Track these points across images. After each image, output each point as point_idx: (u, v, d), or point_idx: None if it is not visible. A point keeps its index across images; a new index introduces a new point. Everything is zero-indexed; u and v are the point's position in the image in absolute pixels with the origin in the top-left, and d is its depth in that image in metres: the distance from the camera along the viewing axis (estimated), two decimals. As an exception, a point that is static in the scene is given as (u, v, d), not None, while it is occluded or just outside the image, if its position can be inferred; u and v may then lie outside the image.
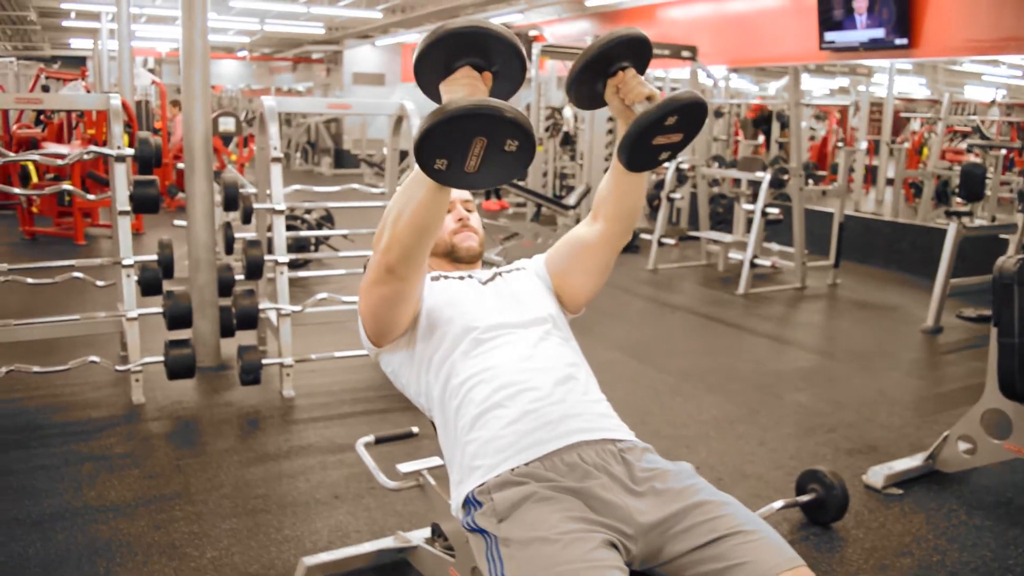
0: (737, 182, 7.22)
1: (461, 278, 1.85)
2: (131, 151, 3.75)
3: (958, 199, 8.54)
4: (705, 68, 8.71)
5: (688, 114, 1.49)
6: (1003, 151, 8.12)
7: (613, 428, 1.64)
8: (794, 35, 8.62)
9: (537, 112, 9.23)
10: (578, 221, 8.27)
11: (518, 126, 1.28)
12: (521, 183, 8.06)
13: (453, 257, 1.92)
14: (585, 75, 1.57)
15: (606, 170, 1.82)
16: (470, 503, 1.55)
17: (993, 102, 14.20)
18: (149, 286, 3.90)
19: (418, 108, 4.13)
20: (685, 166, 7.43)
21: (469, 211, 1.96)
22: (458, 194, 1.95)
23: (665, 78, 10.73)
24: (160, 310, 3.75)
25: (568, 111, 10.85)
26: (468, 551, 1.91)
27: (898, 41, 7.37)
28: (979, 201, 8.39)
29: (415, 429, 2.53)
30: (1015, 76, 14.39)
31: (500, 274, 1.90)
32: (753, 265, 6.49)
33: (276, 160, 3.84)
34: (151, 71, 15.03)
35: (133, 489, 2.91)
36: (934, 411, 4.09)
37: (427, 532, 2.56)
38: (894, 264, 7.70)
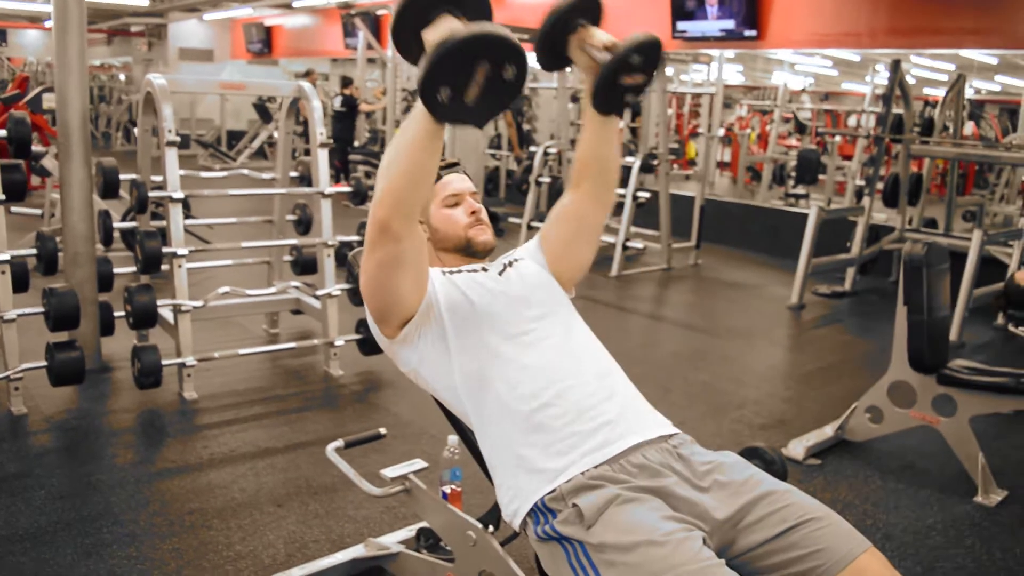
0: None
1: (475, 271, 1.78)
2: (2, 133, 3.31)
3: (796, 182, 9.20)
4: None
5: (649, 52, 1.60)
6: (837, 138, 8.75)
7: (662, 423, 1.63)
8: (646, 23, 8.89)
9: (394, 94, 9.03)
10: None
11: (519, 52, 1.36)
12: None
13: (468, 251, 1.83)
14: (548, 38, 1.67)
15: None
16: (539, 511, 1.48)
17: (803, 90, 15.34)
18: (18, 283, 3.48)
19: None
20: (553, 150, 7.51)
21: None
22: (466, 186, 1.86)
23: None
24: (38, 310, 3.36)
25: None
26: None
27: (747, 33, 7.76)
28: (814, 184, 9.07)
29: (383, 430, 2.40)
30: (824, 66, 15.60)
31: (510, 263, 1.84)
32: (625, 248, 6.67)
33: (172, 144, 3.52)
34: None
35: (45, 513, 2.59)
36: (822, 383, 4.37)
37: (398, 536, 2.45)
38: (745, 244, 8.15)
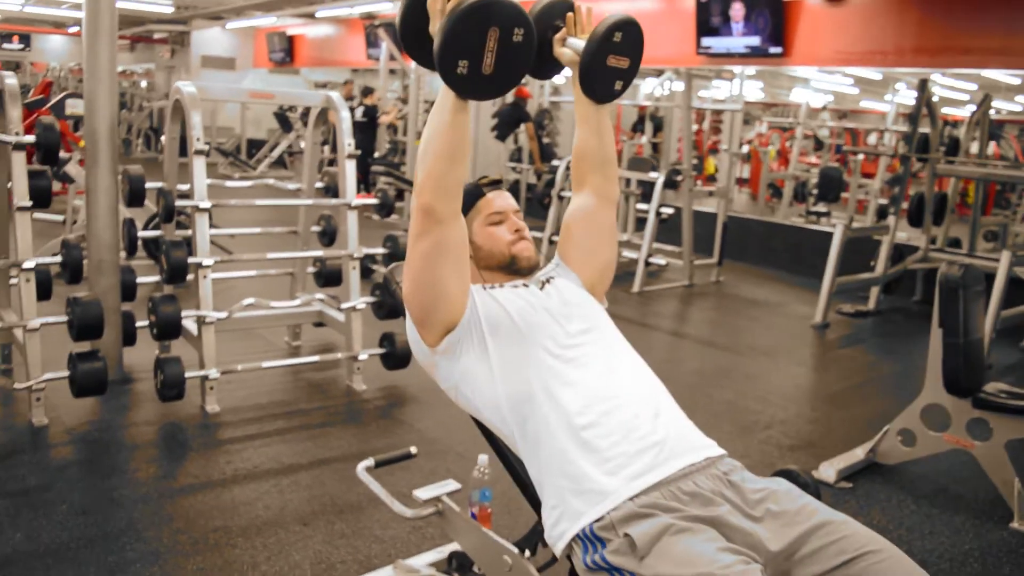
0: (627, 182, 7.34)
1: (515, 287, 1.74)
2: (31, 139, 3.30)
3: (818, 200, 9.12)
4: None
5: (630, 31, 1.63)
6: (859, 156, 8.68)
7: (709, 444, 1.59)
8: (671, 39, 8.85)
9: (416, 105, 9.02)
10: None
11: (521, 12, 1.40)
12: (408, 178, 7.86)
13: (512, 268, 1.80)
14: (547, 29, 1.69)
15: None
16: (588, 539, 1.43)
17: (824, 107, 15.27)
18: (41, 291, 3.46)
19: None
20: (575, 164, 7.46)
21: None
22: (509, 204, 1.83)
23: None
24: (62, 319, 3.34)
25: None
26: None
27: (772, 50, 7.71)
28: (836, 202, 9.00)
29: (413, 449, 2.35)
30: (844, 84, 15.54)
31: (547, 280, 1.80)
32: (647, 264, 6.62)
33: (200, 153, 3.50)
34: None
35: (68, 528, 2.55)
36: (848, 404, 4.30)
37: (428, 558, 2.40)
38: (766, 261, 8.08)
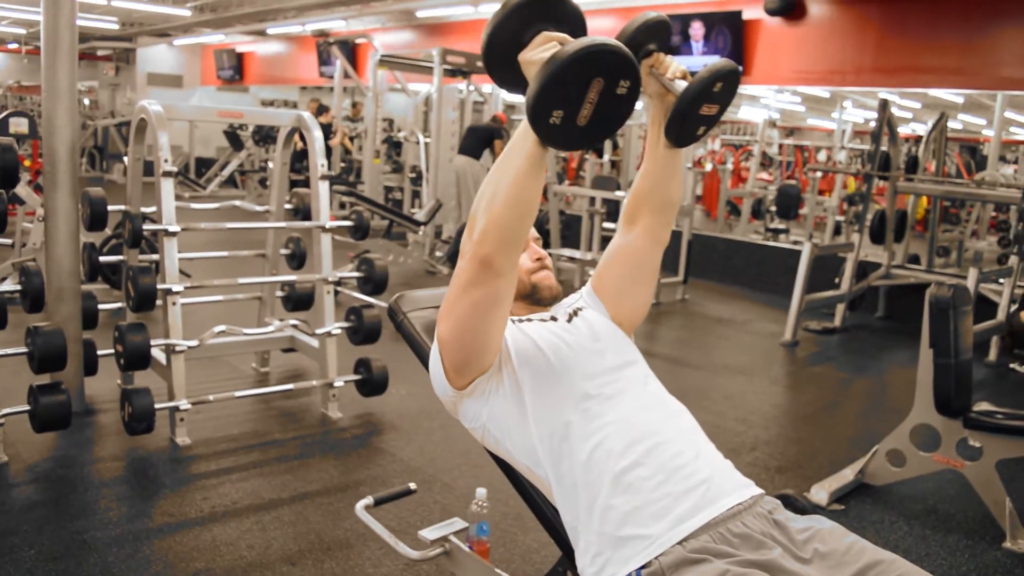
0: (592, 200, 7.30)
1: (544, 320, 1.66)
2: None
3: (777, 216, 9.22)
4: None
5: (731, 81, 1.52)
6: (819, 174, 8.81)
7: (749, 483, 1.52)
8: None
9: (374, 124, 8.91)
10: (438, 237, 8.03)
11: (632, 64, 1.27)
12: (372, 199, 7.74)
13: (534, 298, 1.73)
14: None
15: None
16: (633, 585, 1.35)
17: (774, 124, 15.53)
18: (-2, 320, 3.27)
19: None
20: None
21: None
22: (530, 232, 1.74)
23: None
24: (21, 350, 3.15)
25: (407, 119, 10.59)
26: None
27: (731, 69, 7.79)
28: (794, 219, 9.11)
29: (412, 485, 2.24)
30: (792, 102, 15.84)
31: (575, 312, 1.72)
32: (614, 282, 6.56)
33: (168, 175, 3.35)
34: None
35: (37, 576, 2.38)
36: (829, 423, 4.30)
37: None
38: (729, 278, 8.13)
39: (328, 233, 3.80)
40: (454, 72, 8.67)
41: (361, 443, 3.58)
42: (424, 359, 1.88)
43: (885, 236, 6.59)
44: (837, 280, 6.46)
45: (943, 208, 9.78)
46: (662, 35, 1.58)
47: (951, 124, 14.88)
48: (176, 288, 3.33)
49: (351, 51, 11.22)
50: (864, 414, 4.53)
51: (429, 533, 2.01)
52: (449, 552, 2.00)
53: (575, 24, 1.38)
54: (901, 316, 6.88)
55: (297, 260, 4.29)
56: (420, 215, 7.61)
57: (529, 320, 1.65)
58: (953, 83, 6.97)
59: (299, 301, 4.27)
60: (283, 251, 4.26)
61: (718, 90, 1.51)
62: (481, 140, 8.20)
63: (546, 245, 7.81)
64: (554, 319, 1.68)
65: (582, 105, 1.26)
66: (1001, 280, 5.66)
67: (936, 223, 7.30)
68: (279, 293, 4.33)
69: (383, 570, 2.54)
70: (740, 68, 1.58)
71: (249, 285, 4.26)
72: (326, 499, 3.00)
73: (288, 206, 4.22)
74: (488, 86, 9.84)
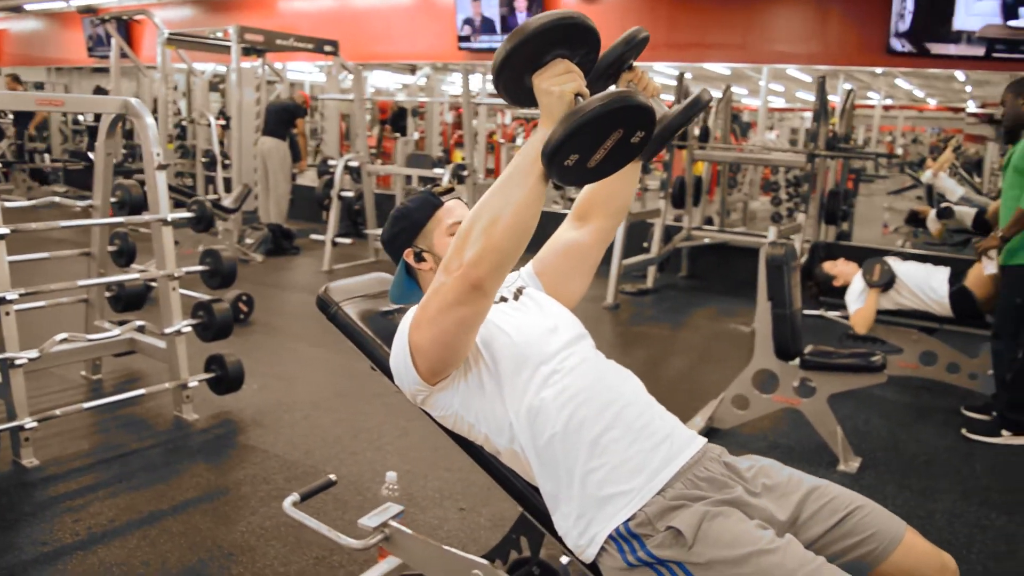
0: (408, 179, 7.31)
1: (496, 302, 1.72)
2: None
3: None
4: (346, 64, 8.62)
5: (704, 109, 1.68)
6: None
7: (694, 434, 1.67)
8: (430, 33, 8.93)
9: (165, 108, 8.34)
10: (244, 224, 7.69)
11: (652, 119, 1.33)
12: (176, 187, 7.28)
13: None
14: (605, 73, 1.61)
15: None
16: (623, 539, 1.46)
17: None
18: None
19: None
20: (355, 164, 7.32)
21: None
22: (467, 212, 1.78)
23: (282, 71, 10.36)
24: None
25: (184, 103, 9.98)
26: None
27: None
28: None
29: (333, 476, 2.22)
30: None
31: (520, 289, 1.80)
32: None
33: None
34: None
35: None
36: (666, 377, 4.65)
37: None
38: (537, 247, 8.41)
39: (169, 226, 3.58)
40: (248, 51, 8.29)
41: (228, 443, 3.43)
42: (365, 349, 1.87)
43: (685, 201, 7.12)
44: (646, 244, 6.92)
45: (715, 172, 10.71)
46: (640, 50, 1.64)
47: (716, 94, 16.13)
48: (10, 296, 3.02)
49: (126, 28, 10.39)
50: (693, 366, 4.92)
51: (368, 521, 2.01)
52: (390, 537, 2.01)
53: (591, 47, 1.42)
54: (702, 274, 7.49)
55: (125, 256, 4.00)
56: (227, 201, 7.26)
57: None
58: (739, 57, 7.63)
59: (130, 300, 4.00)
60: (110, 248, 3.95)
61: (693, 114, 1.65)
62: (283, 121, 7.95)
63: (363, 226, 7.74)
64: (504, 299, 1.74)
65: (597, 151, 1.33)
66: (791, 236, 6.31)
67: (725, 186, 7.98)
68: (107, 293, 4.01)
69: (294, 567, 2.49)
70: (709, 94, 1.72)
71: (78, 288, 3.90)
72: (210, 504, 2.87)
73: (113, 199, 3.91)
74: (280, 64, 9.52)
